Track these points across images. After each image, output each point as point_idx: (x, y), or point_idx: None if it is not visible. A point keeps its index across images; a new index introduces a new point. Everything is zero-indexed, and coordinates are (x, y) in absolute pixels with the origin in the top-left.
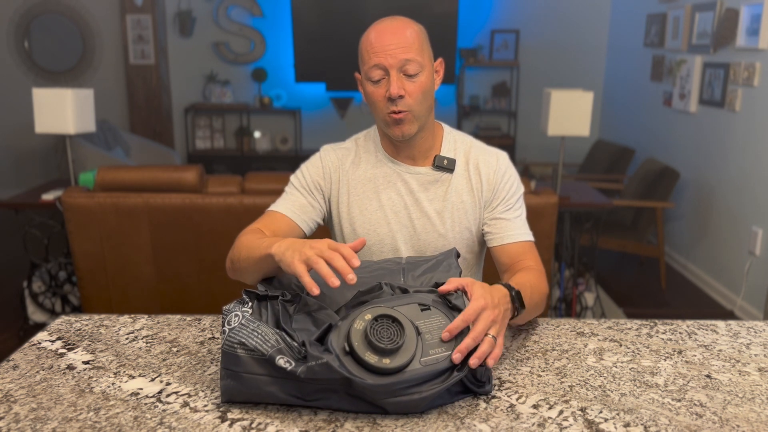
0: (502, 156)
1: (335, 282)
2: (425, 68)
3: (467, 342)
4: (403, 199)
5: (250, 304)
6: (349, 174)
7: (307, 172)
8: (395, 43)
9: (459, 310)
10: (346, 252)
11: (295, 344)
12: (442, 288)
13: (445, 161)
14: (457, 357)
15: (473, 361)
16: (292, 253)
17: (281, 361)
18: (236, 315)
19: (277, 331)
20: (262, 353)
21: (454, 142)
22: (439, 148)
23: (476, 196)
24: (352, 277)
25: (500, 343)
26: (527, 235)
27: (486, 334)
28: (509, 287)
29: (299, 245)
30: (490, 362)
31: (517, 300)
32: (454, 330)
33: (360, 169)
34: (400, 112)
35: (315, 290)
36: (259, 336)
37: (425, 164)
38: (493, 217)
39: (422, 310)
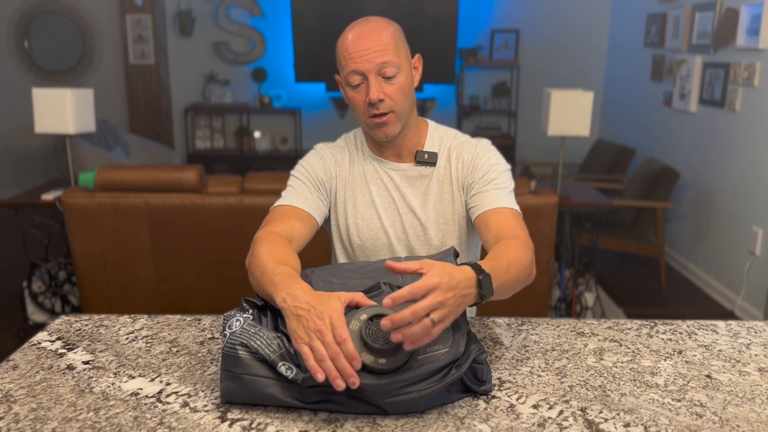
0: (483, 142)
1: (341, 385)
2: (403, 68)
3: (404, 314)
4: (391, 195)
5: (250, 311)
6: (345, 171)
7: (310, 167)
8: (371, 47)
9: None
10: (348, 351)
11: (293, 350)
12: (391, 264)
13: (426, 155)
14: (386, 324)
15: (395, 336)
16: (297, 323)
17: (282, 368)
18: (237, 320)
19: (278, 335)
20: (264, 357)
21: (439, 137)
22: (423, 144)
23: (456, 184)
24: (354, 381)
25: (435, 332)
26: (508, 203)
27: (427, 315)
28: (478, 270)
29: (304, 311)
30: (408, 345)
31: (483, 286)
32: (398, 299)
33: (353, 166)
34: (382, 115)
35: (320, 376)
36: (261, 339)
37: (409, 160)
38: (473, 193)
39: None
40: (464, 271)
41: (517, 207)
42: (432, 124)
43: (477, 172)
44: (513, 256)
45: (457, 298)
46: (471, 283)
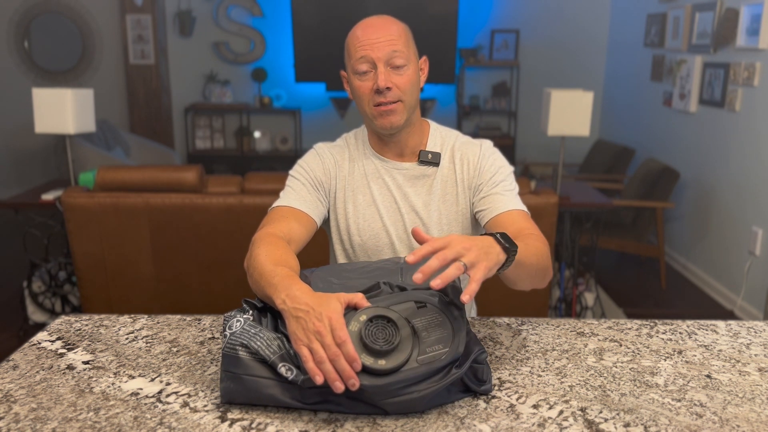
0: (486, 143)
1: (340, 387)
2: (411, 62)
3: (432, 263)
4: (392, 194)
5: (250, 312)
6: (345, 171)
7: (308, 167)
8: (382, 36)
9: (456, 306)
10: (348, 352)
11: (293, 351)
12: (415, 229)
13: (430, 155)
14: (418, 277)
15: (435, 282)
16: (296, 325)
17: (283, 369)
18: (238, 321)
19: (278, 335)
20: (264, 357)
21: (441, 137)
22: (425, 144)
23: (461, 185)
24: (354, 383)
25: (476, 278)
26: (518, 205)
27: (458, 261)
28: (491, 234)
29: (303, 312)
30: (465, 297)
31: (504, 240)
32: (419, 254)
33: (353, 166)
34: (388, 103)
35: (319, 379)
36: (261, 340)
37: (412, 160)
38: (481, 197)
39: (418, 307)
40: (481, 236)
41: (525, 208)
42: (433, 125)
43: (484, 174)
44: (532, 243)
45: (481, 248)
46: (489, 241)
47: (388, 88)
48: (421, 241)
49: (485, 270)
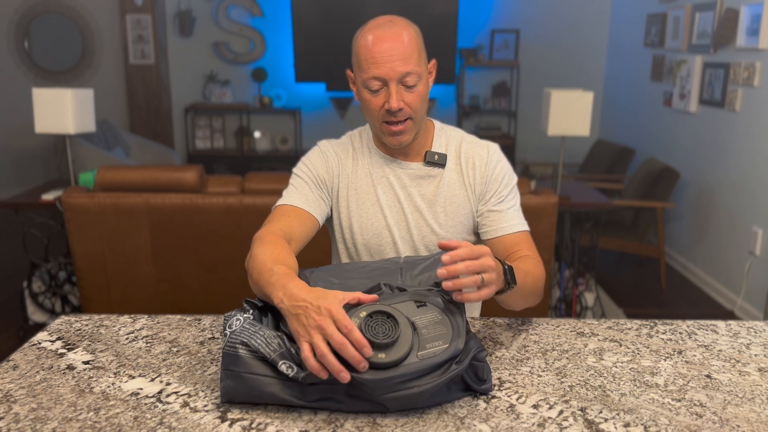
0: (493, 147)
1: (346, 377)
2: (423, 77)
3: (458, 267)
4: (396, 193)
5: (251, 311)
6: (348, 169)
7: (312, 165)
8: (395, 54)
9: (455, 303)
10: (357, 339)
11: (293, 349)
12: (444, 243)
13: (436, 156)
14: (443, 273)
15: (447, 284)
16: (297, 322)
17: (283, 367)
18: (238, 319)
19: (278, 333)
20: (264, 355)
21: (446, 137)
22: (430, 144)
23: (469, 189)
24: (364, 365)
25: (482, 295)
26: (522, 225)
27: (478, 275)
28: (501, 262)
29: (302, 308)
30: (458, 297)
31: (508, 274)
32: (456, 256)
33: (357, 164)
34: (398, 123)
35: (323, 375)
36: (262, 338)
37: (417, 160)
38: (488, 209)
39: (418, 306)
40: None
41: (526, 224)
42: (438, 124)
43: (492, 184)
44: (530, 268)
45: (498, 274)
46: (500, 269)
47: (400, 109)
48: (447, 247)
49: (491, 293)
